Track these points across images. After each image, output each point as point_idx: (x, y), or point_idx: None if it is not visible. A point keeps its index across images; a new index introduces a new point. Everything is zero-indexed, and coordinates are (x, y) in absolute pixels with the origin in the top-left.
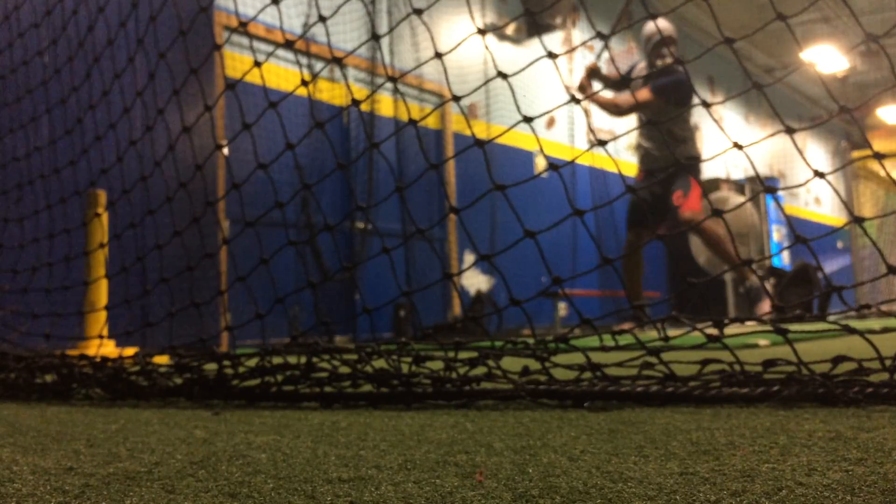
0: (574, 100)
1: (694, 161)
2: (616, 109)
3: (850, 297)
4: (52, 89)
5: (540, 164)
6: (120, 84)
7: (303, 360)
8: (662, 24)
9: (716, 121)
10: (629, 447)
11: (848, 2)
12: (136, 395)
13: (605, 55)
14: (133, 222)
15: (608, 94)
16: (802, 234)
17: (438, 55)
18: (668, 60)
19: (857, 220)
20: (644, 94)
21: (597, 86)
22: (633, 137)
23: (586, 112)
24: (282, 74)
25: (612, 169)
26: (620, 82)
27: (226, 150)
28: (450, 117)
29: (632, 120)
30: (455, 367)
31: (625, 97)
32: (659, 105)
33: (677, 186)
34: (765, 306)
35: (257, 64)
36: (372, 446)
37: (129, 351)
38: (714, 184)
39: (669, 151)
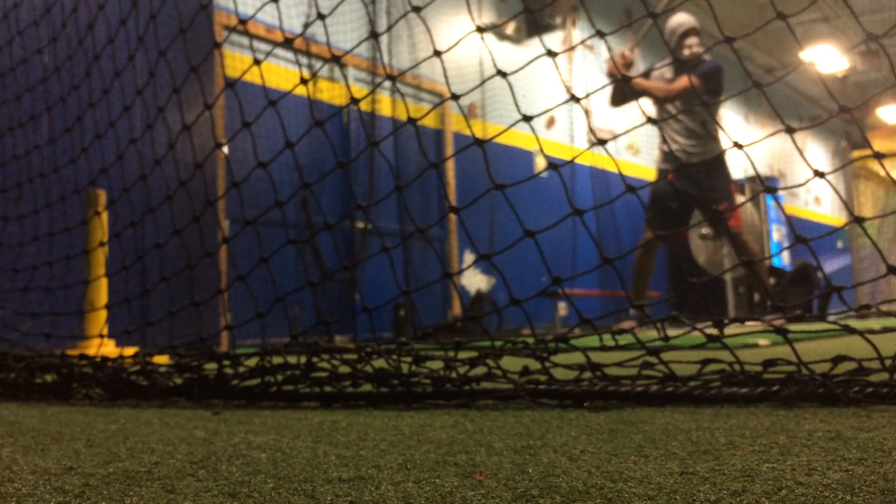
0: (574, 98)
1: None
2: (667, 92)
3: (850, 297)
4: (51, 88)
5: (540, 163)
6: (120, 83)
7: (303, 359)
8: (685, 16)
9: (716, 120)
10: (629, 447)
11: (848, 2)
12: (136, 395)
13: (605, 55)
14: (133, 221)
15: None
16: (802, 234)
17: (437, 53)
18: (696, 50)
19: (857, 220)
20: (693, 80)
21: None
22: (632, 137)
23: (586, 112)
24: (282, 74)
25: (613, 169)
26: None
27: (226, 150)
28: (449, 117)
29: (633, 118)
30: (455, 367)
31: (680, 82)
32: (699, 93)
33: (718, 193)
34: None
35: (256, 62)
36: (372, 446)
37: (129, 350)
38: None
39: (701, 145)
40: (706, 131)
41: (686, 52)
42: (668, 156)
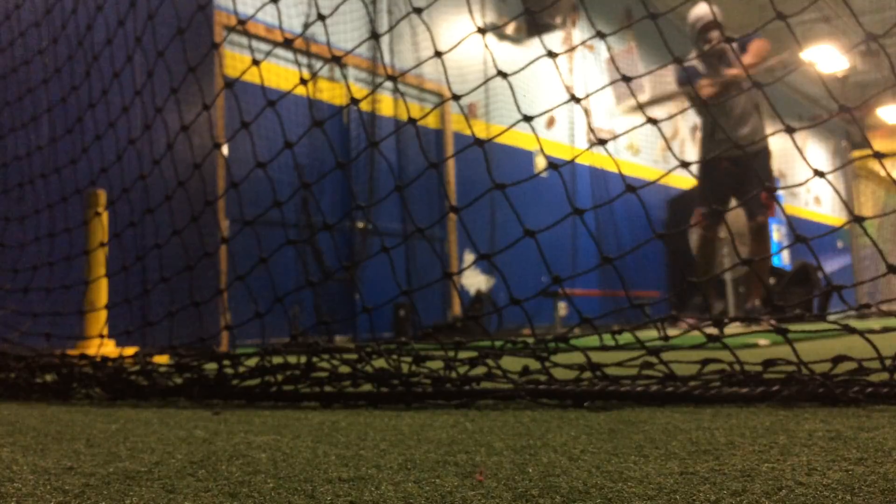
0: (574, 99)
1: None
2: (729, 86)
3: (850, 297)
4: (52, 88)
5: (540, 163)
6: (119, 83)
7: (303, 359)
8: (704, 8)
9: (716, 120)
10: (629, 447)
11: (848, 2)
12: (136, 395)
13: (605, 55)
14: (133, 221)
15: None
16: (802, 234)
17: (438, 54)
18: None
19: (857, 220)
20: (748, 58)
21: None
22: (633, 137)
23: (586, 112)
24: (282, 74)
25: (613, 168)
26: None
27: (225, 150)
28: (450, 117)
29: (632, 118)
30: (455, 367)
31: (749, 56)
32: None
33: (762, 180)
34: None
35: (255, 63)
36: (372, 446)
37: (129, 350)
38: None
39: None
40: (756, 111)
41: (706, 46)
42: (718, 143)
